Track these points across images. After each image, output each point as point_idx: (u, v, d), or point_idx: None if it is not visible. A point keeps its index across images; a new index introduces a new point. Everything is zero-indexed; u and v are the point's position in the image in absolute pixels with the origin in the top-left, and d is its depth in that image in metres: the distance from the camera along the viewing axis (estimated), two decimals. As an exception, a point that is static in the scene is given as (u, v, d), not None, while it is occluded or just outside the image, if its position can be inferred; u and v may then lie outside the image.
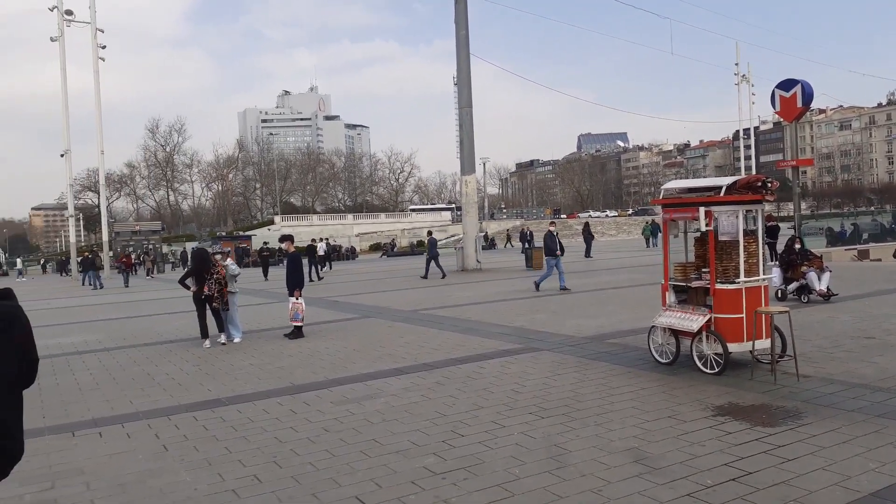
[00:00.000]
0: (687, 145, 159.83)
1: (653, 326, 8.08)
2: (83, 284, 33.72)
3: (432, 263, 25.54)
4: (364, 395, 7.22)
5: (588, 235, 34.76)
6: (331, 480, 4.78)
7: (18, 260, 59.33)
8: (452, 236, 77.01)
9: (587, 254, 33.25)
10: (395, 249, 61.50)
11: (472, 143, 28.37)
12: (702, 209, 7.35)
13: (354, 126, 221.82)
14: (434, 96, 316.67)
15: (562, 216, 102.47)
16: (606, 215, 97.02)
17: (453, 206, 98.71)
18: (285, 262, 12.71)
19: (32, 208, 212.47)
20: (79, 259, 40.97)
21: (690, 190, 8.10)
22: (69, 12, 45.36)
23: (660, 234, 46.27)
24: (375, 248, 69.51)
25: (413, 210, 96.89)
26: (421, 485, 4.62)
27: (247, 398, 7.38)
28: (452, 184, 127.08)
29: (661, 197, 8.41)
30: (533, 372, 7.86)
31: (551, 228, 18.45)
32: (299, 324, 11.52)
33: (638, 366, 7.93)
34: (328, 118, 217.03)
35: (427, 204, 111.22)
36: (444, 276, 24.64)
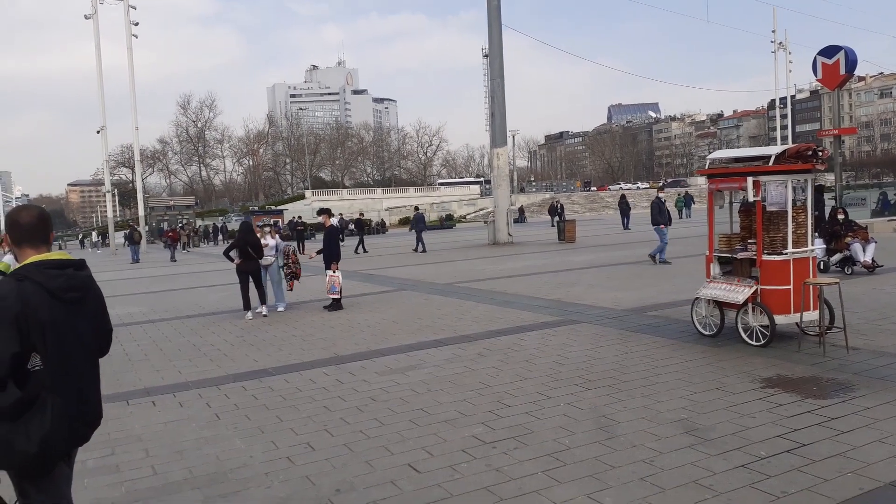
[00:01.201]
0: (720, 115, 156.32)
1: (696, 298, 7.99)
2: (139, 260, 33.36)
3: (420, 237, 27.22)
4: (407, 365, 7.30)
5: (625, 207, 34.42)
6: (382, 448, 4.86)
7: (94, 233, 60.50)
8: (481, 210, 76.85)
9: (625, 226, 32.97)
10: (425, 223, 61.64)
11: (503, 115, 28.13)
12: (750, 179, 7.21)
13: (382, 100, 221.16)
14: (462, 69, 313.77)
15: (592, 188, 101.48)
16: (638, 187, 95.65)
17: (482, 179, 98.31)
18: (322, 235, 12.82)
19: (69, 184, 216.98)
20: (125, 233, 41.50)
21: (737, 160, 7.94)
22: (101, -11, 45.73)
23: (693, 206, 45.72)
24: (404, 221, 69.66)
25: (441, 184, 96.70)
26: (472, 453, 4.67)
27: (293, 368, 7.51)
28: (481, 157, 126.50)
29: (706, 167, 8.27)
30: (574, 344, 7.86)
31: (661, 195, 17.50)
32: (336, 296, 11.64)
33: (681, 338, 7.87)
34: (356, 92, 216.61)
35: (455, 178, 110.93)
36: (423, 251, 26.02)
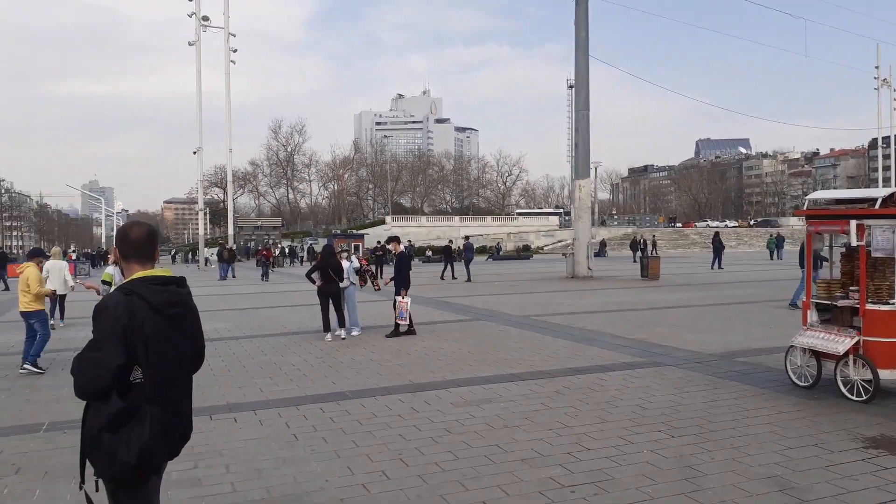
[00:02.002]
0: (816, 153, 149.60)
1: (791, 346, 7.56)
2: (232, 276, 34.06)
3: (467, 266, 27.95)
4: (482, 398, 7.21)
5: (718, 245, 33.21)
6: (457, 483, 4.78)
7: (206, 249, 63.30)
8: (559, 241, 76.01)
9: (718, 265, 31.83)
10: (502, 253, 61.45)
11: (587, 146, 27.86)
12: (853, 222, 6.80)
13: (464, 129, 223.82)
14: (545, 100, 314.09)
15: (677, 224, 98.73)
16: (726, 225, 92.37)
17: (561, 210, 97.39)
18: (394, 261, 12.95)
19: (164, 201, 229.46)
20: (216, 251, 43.12)
21: (839, 201, 7.53)
22: (206, 18, 48.57)
23: (784, 248, 43.71)
24: (481, 250, 69.74)
25: (520, 214, 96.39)
26: (549, 496, 4.52)
27: (369, 393, 7.55)
28: (561, 188, 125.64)
29: (804, 207, 7.88)
30: (658, 387, 7.56)
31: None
32: (404, 322, 11.73)
33: (773, 387, 7.44)
34: (439, 121, 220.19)
35: (534, 208, 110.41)
36: (469, 279, 26.95)
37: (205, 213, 58.19)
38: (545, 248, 75.40)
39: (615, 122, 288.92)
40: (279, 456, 5.44)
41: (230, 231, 52.56)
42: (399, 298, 11.74)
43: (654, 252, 40.76)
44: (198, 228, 55.14)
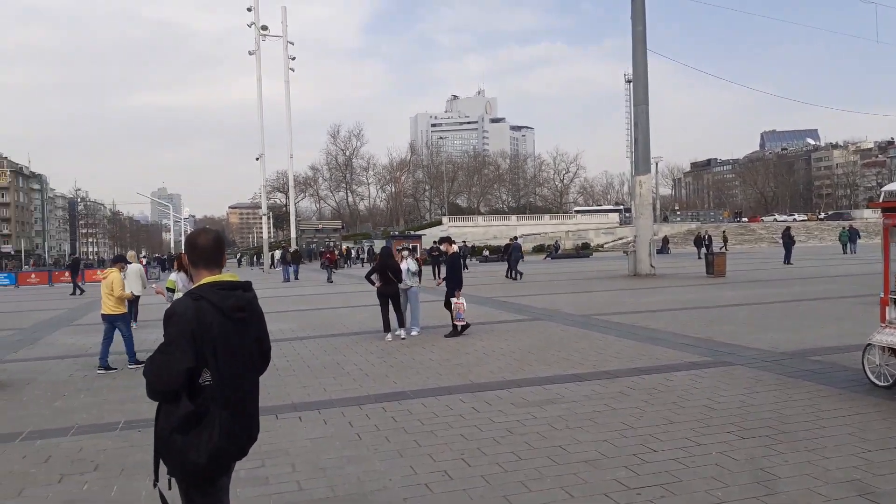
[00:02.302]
0: (891, 142, 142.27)
1: (869, 344, 7.20)
2: (295, 278, 34.89)
3: (516, 266, 28.33)
4: (544, 399, 7.13)
5: (788, 240, 32.04)
6: (520, 484, 4.74)
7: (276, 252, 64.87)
8: (620, 239, 74.73)
9: (787, 260, 30.74)
10: (560, 251, 60.82)
11: (647, 141, 27.29)
12: (937, 214, 6.43)
13: (519, 128, 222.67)
14: (602, 96, 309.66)
15: (743, 219, 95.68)
16: (794, 219, 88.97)
17: (621, 207, 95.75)
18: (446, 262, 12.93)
19: (229, 207, 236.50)
20: (278, 254, 44.16)
21: (920, 192, 7.13)
22: (265, 27, 49.82)
23: (858, 241, 41.75)
24: (539, 249, 69.20)
25: (578, 211, 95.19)
26: (614, 498, 4.44)
27: (430, 393, 7.58)
28: (620, 184, 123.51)
29: (881, 199, 7.50)
30: (727, 388, 7.32)
31: None
32: (462, 322, 11.72)
33: (850, 387, 7.11)
34: (494, 120, 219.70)
35: (592, 205, 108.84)
36: (516, 278, 27.45)
37: (268, 218, 59.66)
38: (605, 246, 74.27)
39: (675, 116, 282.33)
40: (343, 455, 5.51)
41: (293, 234, 53.78)
42: (455, 299, 11.74)
43: (725, 248, 39.57)
44: (262, 232, 56.60)
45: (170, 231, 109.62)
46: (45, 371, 9.94)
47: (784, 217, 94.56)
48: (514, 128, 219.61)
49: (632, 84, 30.86)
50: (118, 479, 5.14)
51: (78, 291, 30.08)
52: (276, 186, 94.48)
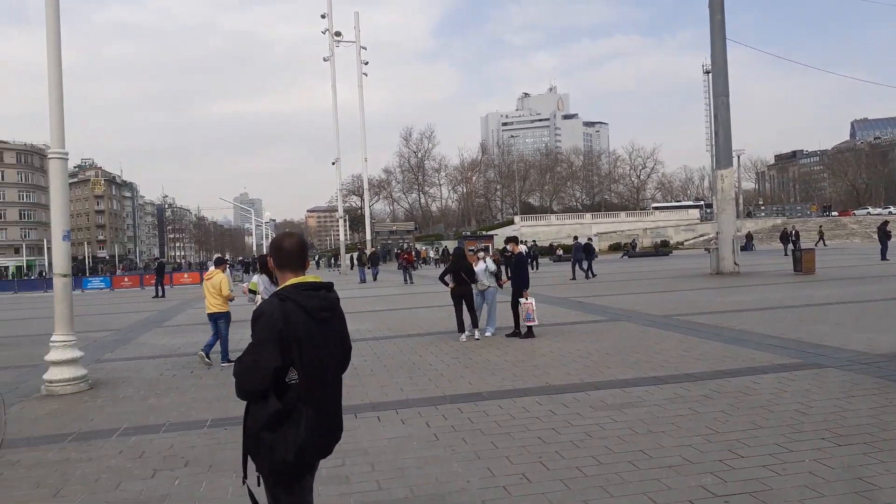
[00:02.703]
0: None
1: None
2: (374, 279, 35.40)
3: (577, 265, 28.39)
4: (624, 402, 6.96)
5: (884, 235, 30.24)
6: (600, 489, 4.64)
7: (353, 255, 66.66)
8: (701, 236, 72.35)
9: (883, 256, 29.07)
10: (637, 249, 59.42)
11: (728, 134, 26.31)
12: None
13: (593, 123, 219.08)
14: (679, 88, 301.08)
15: (832, 213, 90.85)
16: (890, 212, 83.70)
17: (701, 203, 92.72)
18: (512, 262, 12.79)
19: (307, 210, 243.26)
20: (355, 255, 44.95)
21: None
22: (338, 34, 50.86)
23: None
24: (615, 248, 67.82)
25: (656, 208, 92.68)
26: (701, 506, 4.28)
27: (506, 394, 7.53)
28: (700, 179, 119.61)
29: None
30: (819, 391, 6.95)
31: None
32: (531, 323, 11.58)
33: (960, 393, 6.61)
34: (566, 117, 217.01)
35: (671, 201, 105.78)
36: (588, 277, 27.61)
37: (344, 220, 60.97)
38: (685, 244, 72.07)
39: (758, 107, 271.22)
40: (421, 455, 5.54)
41: (368, 236, 54.73)
42: (523, 300, 11.63)
43: (822, 243, 37.70)
44: (338, 235, 57.87)
45: (251, 235, 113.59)
46: (139, 370, 10.46)
47: (879, 210, 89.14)
48: (588, 124, 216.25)
49: (710, 75, 29.82)
50: (206, 475, 5.34)
51: (161, 294, 31.47)
52: (351, 190, 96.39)
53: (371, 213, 69.19)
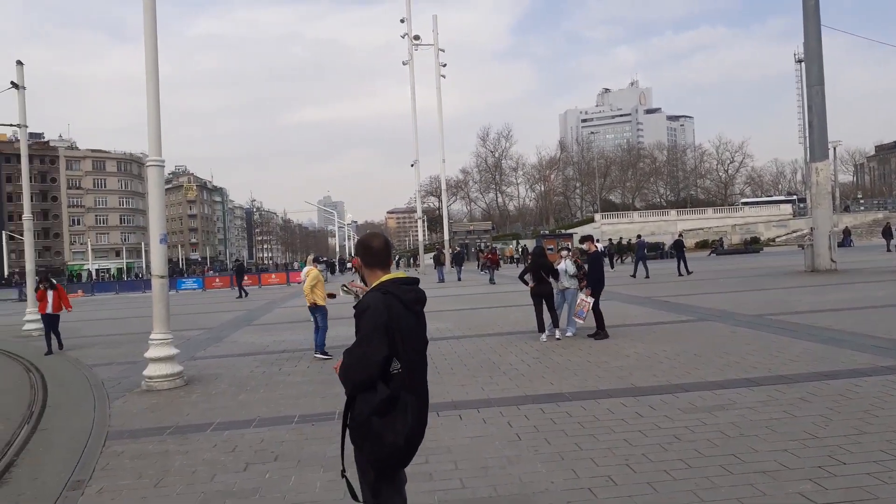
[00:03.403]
0: None
1: None
2: (458, 279, 35.20)
3: (640, 263, 28.03)
4: (714, 404, 6.71)
5: None
6: (691, 493, 4.48)
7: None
8: (794, 232, 68.94)
9: None
10: (726, 247, 57.19)
11: (823, 125, 24.94)
12: None
13: (677, 117, 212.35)
14: (769, 79, 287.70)
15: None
16: None
17: (794, 197, 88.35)
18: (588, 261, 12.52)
19: (387, 211, 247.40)
20: (436, 254, 45.35)
21: None
22: (417, 37, 51.37)
23: None
24: (702, 245, 65.49)
25: (745, 203, 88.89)
26: (800, 515, 4.06)
27: (589, 395, 7.40)
28: (792, 173, 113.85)
29: None
30: (930, 395, 6.48)
31: None
32: (579, 321, 11.49)
33: None
34: (648, 111, 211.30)
35: (761, 196, 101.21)
36: (647, 277, 26.84)
37: (423, 221, 61.55)
38: (777, 240, 68.87)
39: (855, 96, 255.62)
40: (503, 455, 5.52)
41: (445, 236, 55.05)
42: (582, 296, 11.43)
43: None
44: (417, 235, 58.51)
45: (334, 236, 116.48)
46: (230, 367, 10.91)
47: None
48: (671, 118, 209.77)
49: (803, 64, 28.38)
50: (295, 469, 5.50)
51: (243, 294, 32.54)
52: (429, 191, 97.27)
53: (448, 214, 69.62)
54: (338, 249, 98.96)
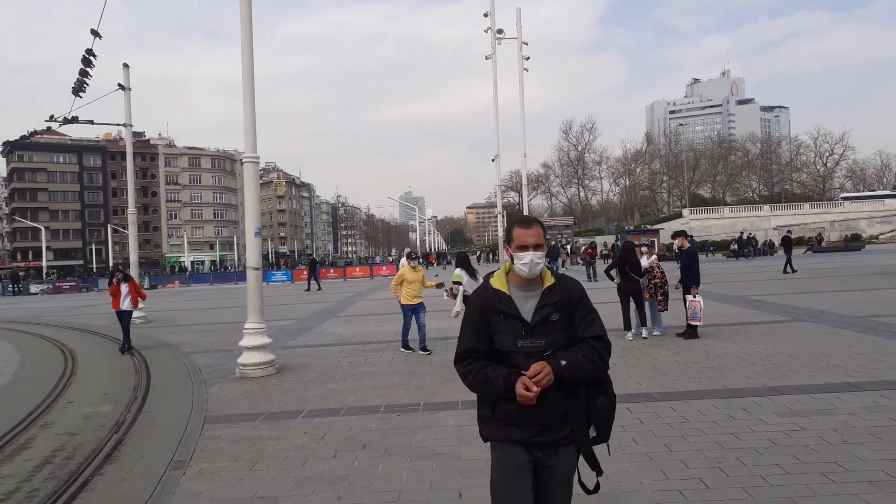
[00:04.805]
0: None
1: None
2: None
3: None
4: (813, 409, 6.39)
5: None
6: (789, 500, 4.30)
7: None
8: (900, 228, 64.49)
9: None
10: (823, 244, 54.20)
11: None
12: None
13: (771, 108, 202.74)
14: (873, 66, 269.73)
15: None
16: None
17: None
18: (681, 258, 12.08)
19: (467, 207, 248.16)
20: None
21: None
22: (500, 31, 51.07)
23: None
24: (798, 242, 62.24)
25: (845, 198, 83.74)
26: (911, 529, 3.82)
27: (678, 396, 7.20)
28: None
29: None
30: None
31: None
32: (696, 323, 10.91)
33: None
34: (740, 102, 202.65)
35: (864, 191, 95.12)
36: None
37: (503, 216, 61.37)
38: (881, 237, 64.63)
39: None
40: (589, 453, 5.45)
41: (527, 231, 54.73)
42: (690, 297, 11.02)
43: None
44: (497, 230, 58.36)
45: (415, 231, 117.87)
46: (319, 356, 11.26)
47: None
48: (765, 108, 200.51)
49: (915, 47, 26.38)
50: (382, 458, 5.63)
51: (315, 288, 33.26)
52: (509, 186, 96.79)
53: (529, 209, 69.08)
54: (418, 244, 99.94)
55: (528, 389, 2.66)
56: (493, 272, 3.01)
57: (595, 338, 2.85)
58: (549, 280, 2.90)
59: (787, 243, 28.44)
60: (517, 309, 2.83)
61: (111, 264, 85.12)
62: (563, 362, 2.74)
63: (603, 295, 18.63)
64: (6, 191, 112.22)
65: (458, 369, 2.91)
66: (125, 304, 13.29)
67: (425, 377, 8.85)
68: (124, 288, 13.35)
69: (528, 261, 2.83)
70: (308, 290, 32.95)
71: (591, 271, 30.85)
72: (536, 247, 2.85)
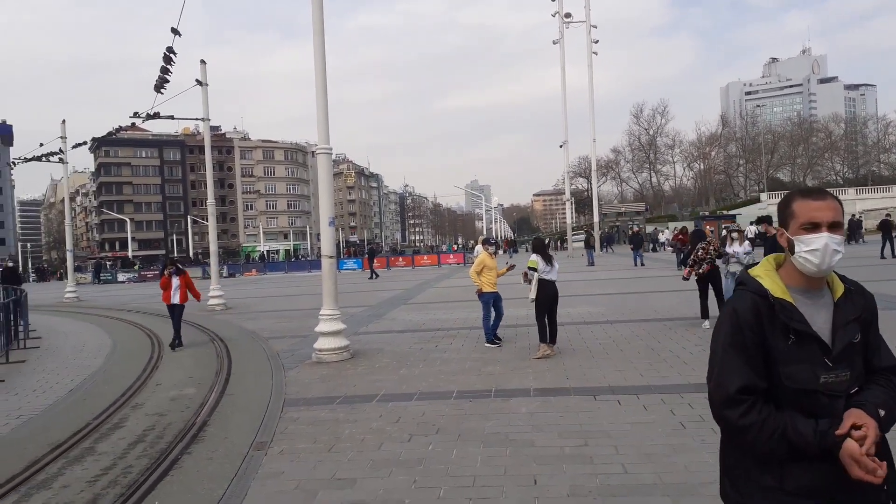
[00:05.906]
0: None
1: None
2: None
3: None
4: None
5: None
6: (882, 497, 4.10)
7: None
8: None
9: None
10: (916, 228, 50.92)
11: None
12: None
13: (856, 86, 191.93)
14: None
15: None
16: None
17: None
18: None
19: (534, 194, 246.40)
20: (586, 237, 44.74)
21: None
22: (568, 15, 50.26)
23: None
24: (885, 227, 58.81)
25: (941, 180, 78.60)
26: None
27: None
28: None
29: None
30: None
31: None
32: None
33: None
34: (822, 81, 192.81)
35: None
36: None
37: (571, 203, 60.54)
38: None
39: None
40: (667, 443, 5.36)
41: (595, 219, 53.71)
42: None
43: None
44: (564, 217, 57.68)
45: (482, 220, 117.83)
46: (391, 343, 11.44)
47: None
48: (850, 87, 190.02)
49: None
50: (456, 443, 5.68)
51: (374, 276, 33.90)
52: (577, 172, 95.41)
53: (598, 195, 67.77)
54: (484, 232, 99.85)
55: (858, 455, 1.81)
56: (752, 266, 2.16)
57: (893, 369, 2.05)
58: (838, 283, 2.09)
59: (886, 227, 26.98)
60: (810, 326, 1.98)
61: (191, 254, 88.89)
62: (882, 412, 1.91)
63: (660, 283, 18.11)
64: (94, 185, 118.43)
65: (733, 418, 1.97)
66: (175, 298, 12.68)
67: (496, 364, 8.87)
68: (175, 281, 12.69)
69: (822, 246, 1.97)
70: (370, 277, 33.62)
71: (679, 257, 29.31)
72: (833, 226, 1.99)
